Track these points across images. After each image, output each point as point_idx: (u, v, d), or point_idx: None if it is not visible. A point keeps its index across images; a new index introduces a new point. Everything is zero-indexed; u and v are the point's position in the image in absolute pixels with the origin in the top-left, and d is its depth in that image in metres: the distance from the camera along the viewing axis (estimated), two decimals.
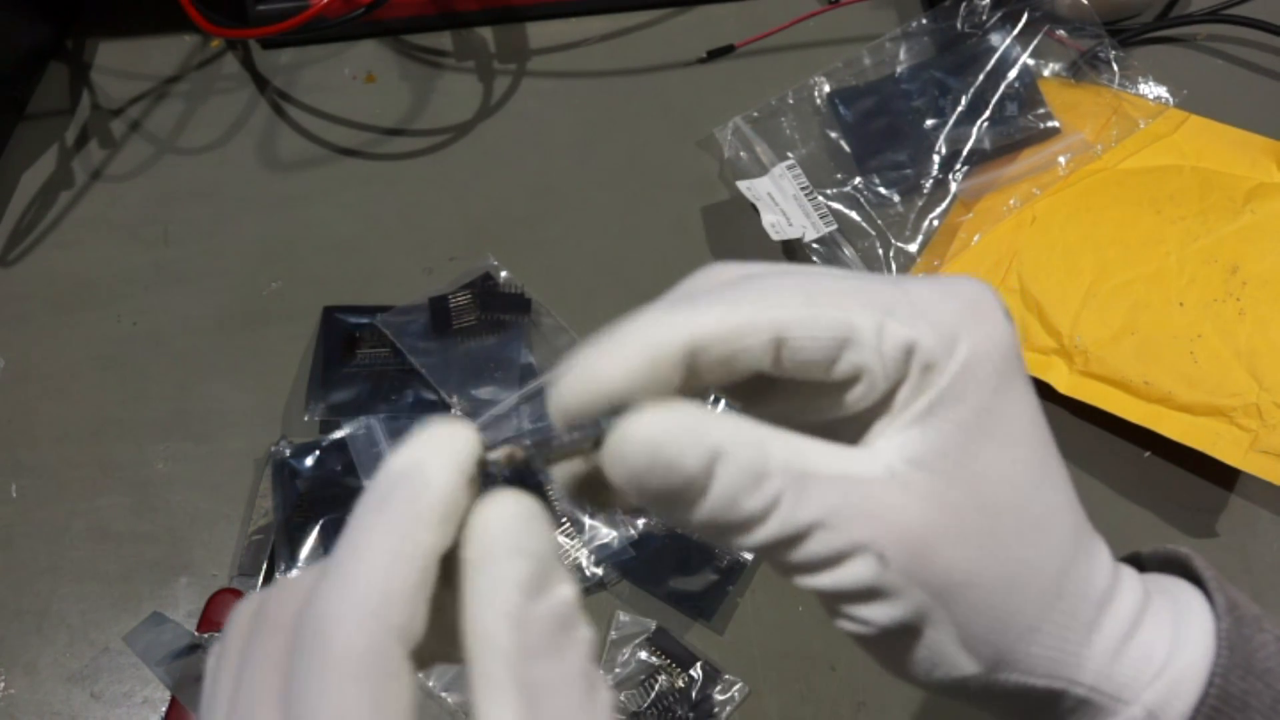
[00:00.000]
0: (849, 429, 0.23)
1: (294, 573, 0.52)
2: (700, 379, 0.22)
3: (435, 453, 0.20)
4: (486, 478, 0.21)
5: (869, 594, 0.22)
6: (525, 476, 0.22)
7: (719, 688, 0.50)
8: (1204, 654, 0.24)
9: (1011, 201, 0.62)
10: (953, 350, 0.22)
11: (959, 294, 0.23)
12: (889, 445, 0.22)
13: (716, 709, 0.50)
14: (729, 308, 0.22)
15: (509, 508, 0.20)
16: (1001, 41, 0.66)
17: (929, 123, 0.65)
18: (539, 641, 0.19)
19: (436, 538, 0.20)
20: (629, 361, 0.21)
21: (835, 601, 0.23)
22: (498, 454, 0.22)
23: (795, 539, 0.21)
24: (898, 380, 0.22)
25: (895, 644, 0.23)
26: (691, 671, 0.50)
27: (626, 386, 0.21)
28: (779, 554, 0.22)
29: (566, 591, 0.20)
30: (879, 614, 0.22)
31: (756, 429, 0.21)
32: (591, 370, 0.21)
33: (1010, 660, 0.23)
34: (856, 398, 0.22)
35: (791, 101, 0.67)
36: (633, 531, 0.53)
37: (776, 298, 0.22)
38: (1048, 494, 0.23)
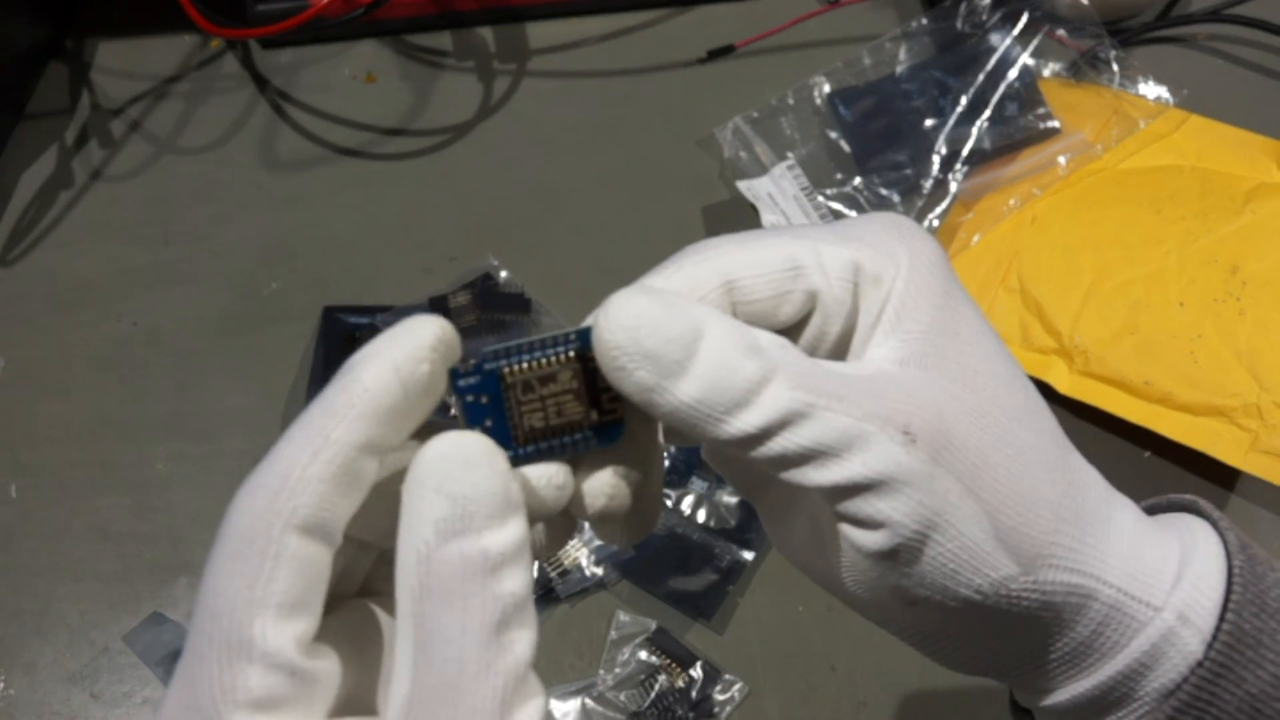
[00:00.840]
0: None
1: None
2: None
3: (373, 353, 0.21)
4: (471, 409, 0.21)
5: (888, 484, 0.20)
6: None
7: (719, 688, 0.50)
8: (1216, 577, 0.23)
9: (1011, 201, 0.62)
10: (895, 261, 0.22)
11: (879, 220, 0.24)
12: (874, 357, 0.22)
13: (716, 709, 0.50)
14: (672, 269, 0.23)
15: (444, 447, 0.19)
16: (1001, 41, 0.66)
17: (929, 123, 0.65)
18: (441, 585, 0.19)
19: (352, 433, 0.20)
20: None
21: (846, 497, 0.21)
22: (460, 363, 0.21)
23: (799, 416, 0.20)
24: (850, 309, 0.23)
25: (910, 554, 0.21)
26: (691, 671, 0.50)
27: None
28: (780, 440, 0.20)
29: (493, 541, 0.19)
30: (901, 508, 0.20)
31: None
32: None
33: (1041, 552, 0.22)
34: (815, 335, 0.23)
35: (791, 101, 0.67)
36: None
37: (713, 251, 0.23)
38: (1025, 387, 0.23)
